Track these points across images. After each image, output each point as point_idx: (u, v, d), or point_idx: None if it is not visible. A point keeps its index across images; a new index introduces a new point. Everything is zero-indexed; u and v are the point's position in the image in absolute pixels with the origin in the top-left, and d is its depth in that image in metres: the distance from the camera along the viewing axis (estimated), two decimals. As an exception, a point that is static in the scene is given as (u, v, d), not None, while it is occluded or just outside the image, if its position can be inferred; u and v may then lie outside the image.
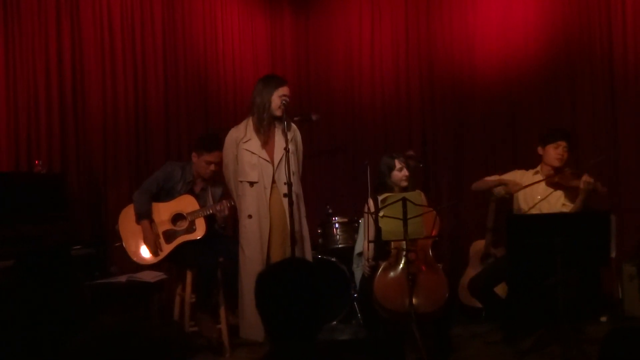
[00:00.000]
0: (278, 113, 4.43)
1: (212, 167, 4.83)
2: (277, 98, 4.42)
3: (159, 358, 1.75)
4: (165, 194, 4.84)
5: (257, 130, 4.48)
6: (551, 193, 4.88)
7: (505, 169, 5.66)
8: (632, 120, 6.03)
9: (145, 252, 4.74)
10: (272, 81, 4.50)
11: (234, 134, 4.56)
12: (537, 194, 4.93)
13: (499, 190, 5.05)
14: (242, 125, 4.56)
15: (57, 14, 5.59)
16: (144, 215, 4.74)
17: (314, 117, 4.99)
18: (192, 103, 6.44)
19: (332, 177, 7.06)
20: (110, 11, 5.90)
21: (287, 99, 4.43)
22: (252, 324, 4.39)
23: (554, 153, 4.90)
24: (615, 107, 6.10)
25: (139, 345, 1.70)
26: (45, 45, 5.52)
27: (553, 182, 4.87)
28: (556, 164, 4.88)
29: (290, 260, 2.60)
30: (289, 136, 4.44)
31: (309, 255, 4.59)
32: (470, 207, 5.91)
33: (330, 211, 6.01)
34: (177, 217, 4.79)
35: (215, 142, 4.83)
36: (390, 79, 6.96)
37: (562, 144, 4.90)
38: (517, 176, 5.05)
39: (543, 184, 4.91)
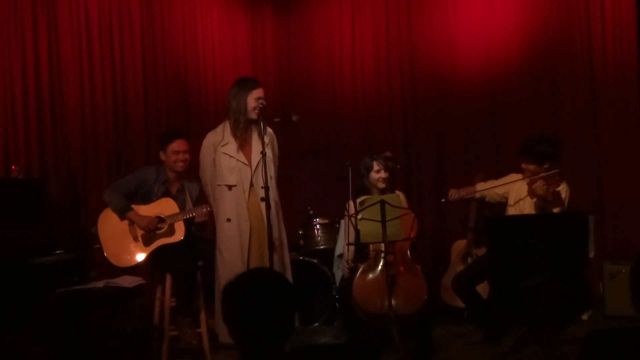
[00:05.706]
0: (254, 116, 4.43)
1: (181, 155, 4.80)
2: (253, 100, 4.41)
3: None
4: (142, 198, 4.80)
5: (234, 134, 4.47)
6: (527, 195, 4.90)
7: (487, 169, 5.68)
8: (613, 120, 6.05)
9: (123, 255, 4.71)
10: (246, 84, 4.49)
11: (211, 138, 4.54)
12: (523, 192, 4.94)
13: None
14: (219, 129, 4.54)
15: (34, 16, 5.52)
16: (125, 209, 4.69)
17: (294, 118, 4.96)
18: (173, 104, 6.38)
19: (314, 178, 7.00)
20: (88, 13, 5.83)
21: (264, 102, 4.42)
22: None
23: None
24: (597, 107, 6.12)
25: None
26: (22, 49, 5.46)
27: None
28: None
29: (257, 271, 2.59)
30: (266, 140, 4.43)
31: (287, 261, 4.58)
32: (452, 207, 5.90)
33: (311, 212, 5.98)
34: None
35: (174, 132, 4.96)
36: (372, 79, 6.93)
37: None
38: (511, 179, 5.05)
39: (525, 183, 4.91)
